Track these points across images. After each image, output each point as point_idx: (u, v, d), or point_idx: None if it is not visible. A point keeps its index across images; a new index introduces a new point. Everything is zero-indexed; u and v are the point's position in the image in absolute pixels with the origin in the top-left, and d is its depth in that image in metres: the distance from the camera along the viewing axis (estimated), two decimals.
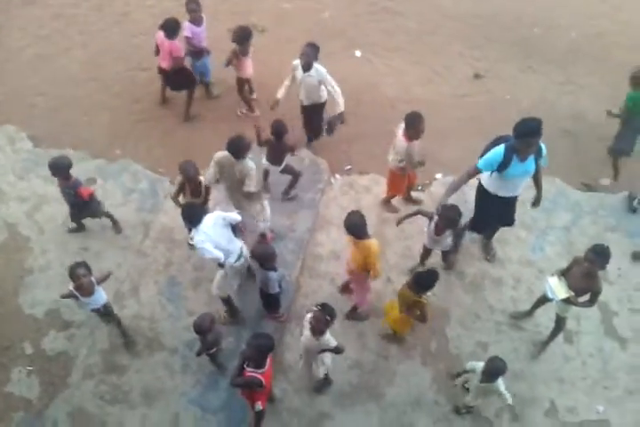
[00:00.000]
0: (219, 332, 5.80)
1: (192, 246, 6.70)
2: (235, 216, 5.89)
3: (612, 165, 7.74)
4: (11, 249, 7.02)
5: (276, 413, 5.92)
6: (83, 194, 6.50)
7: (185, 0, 7.74)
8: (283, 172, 6.98)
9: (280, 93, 7.26)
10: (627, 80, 7.12)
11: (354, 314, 6.50)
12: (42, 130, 8.20)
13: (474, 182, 6.33)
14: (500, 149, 5.79)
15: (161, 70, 7.98)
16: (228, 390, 5.85)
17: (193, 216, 5.66)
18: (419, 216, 6.46)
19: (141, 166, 7.83)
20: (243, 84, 8.22)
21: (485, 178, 6.19)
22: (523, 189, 6.27)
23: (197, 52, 8.03)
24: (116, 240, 7.10)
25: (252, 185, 6.11)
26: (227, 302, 6.21)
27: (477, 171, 5.97)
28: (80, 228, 7.11)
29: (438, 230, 6.21)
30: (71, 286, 5.62)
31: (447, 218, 6.00)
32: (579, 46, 8.76)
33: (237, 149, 5.95)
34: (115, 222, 7.12)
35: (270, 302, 6.26)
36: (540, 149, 5.86)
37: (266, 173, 7.02)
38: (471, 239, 7.13)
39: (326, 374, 5.89)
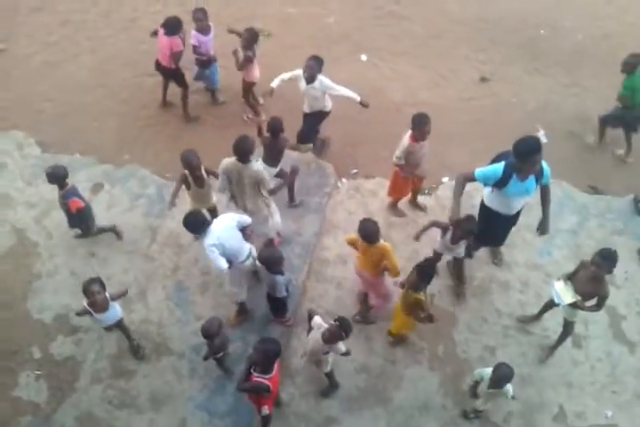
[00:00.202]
0: (226, 336, 5.81)
1: (197, 239, 6.77)
2: (246, 219, 5.91)
3: (599, 129, 8.07)
4: (19, 254, 7.06)
5: (283, 417, 5.92)
6: (71, 206, 6.46)
7: (192, 8, 7.79)
8: (277, 176, 6.90)
9: (275, 83, 7.21)
10: None
11: (364, 316, 6.49)
12: (50, 136, 8.24)
13: (479, 186, 6.31)
14: (500, 165, 5.75)
15: (159, 67, 8.03)
16: (235, 395, 5.86)
17: (194, 225, 5.64)
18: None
19: (149, 171, 7.86)
20: (249, 89, 8.24)
21: (487, 194, 6.19)
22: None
23: (205, 61, 8.06)
24: (124, 245, 7.12)
25: (268, 184, 6.19)
26: (239, 304, 6.28)
27: (472, 177, 5.91)
28: (116, 232, 7.14)
29: (454, 239, 6.16)
30: (85, 303, 5.62)
31: (464, 229, 5.96)
32: (584, 48, 8.75)
33: (243, 149, 5.94)
34: (115, 232, 7.12)
35: (278, 307, 6.26)
36: (542, 169, 5.82)
37: None
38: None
39: (333, 379, 5.90)
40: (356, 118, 8.24)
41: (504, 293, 6.86)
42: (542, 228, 6.32)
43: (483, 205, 6.30)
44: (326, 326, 5.32)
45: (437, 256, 6.62)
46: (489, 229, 6.28)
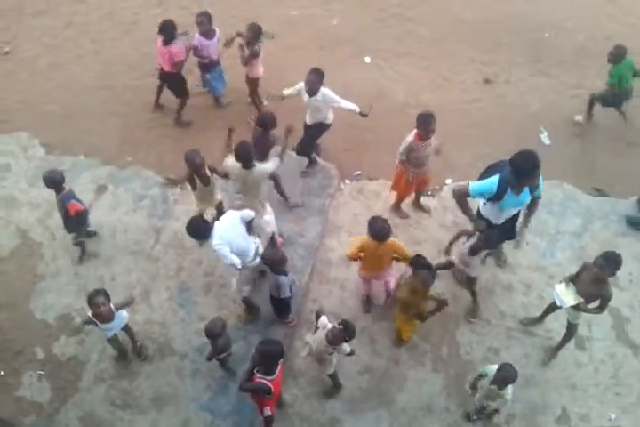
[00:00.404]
0: (229, 337, 5.82)
1: (202, 245, 6.77)
2: (249, 212, 5.93)
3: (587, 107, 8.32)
4: (23, 255, 7.08)
5: (287, 418, 5.93)
6: (70, 209, 6.43)
7: (196, 11, 7.82)
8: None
9: (287, 91, 7.15)
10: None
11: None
12: (54, 137, 8.27)
13: None
14: (495, 179, 5.63)
15: (162, 73, 8.04)
16: (238, 395, 5.86)
17: (197, 232, 5.64)
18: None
19: (152, 173, 7.87)
20: (255, 86, 8.25)
21: (481, 205, 6.14)
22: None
23: (207, 65, 8.08)
24: (127, 246, 7.14)
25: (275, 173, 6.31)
26: (246, 301, 6.27)
27: (467, 193, 5.82)
28: (83, 252, 7.03)
29: (474, 250, 5.98)
30: (89, 314, 5.61)
31: (487, 240, 5.85)
32: (588, 49, 8.73)
33: (246, 155, 5.97)
34: (83, 252, 7.03)
35: (281, 307, 6.27)
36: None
37: None
38: None
39: (337, 380, 5.90)
40: (359, 120, 8.15)
41: (507, 295, 6.85)
42: (518, 240, 6.32)
43: (478, 213, 6.23)
44: (331, 326, 5.32)
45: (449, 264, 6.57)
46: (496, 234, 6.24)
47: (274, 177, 6.57)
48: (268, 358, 4.92)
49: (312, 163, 7.70)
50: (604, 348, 6.49)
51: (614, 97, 8.02)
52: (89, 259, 7.02)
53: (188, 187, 6.60)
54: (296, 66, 8.44)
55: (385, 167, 7.53)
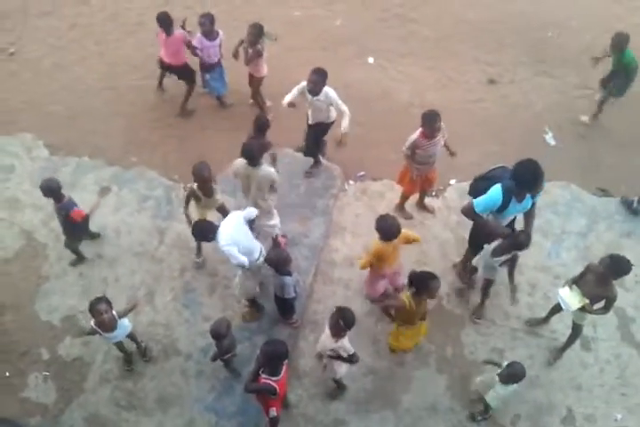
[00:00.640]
0: (234, 337, 5.82)
1: (198, 265, 6.89)
2: (251, 211, 5.94)
3: (599, 104, 8.35)
4: (27, 256, 7.09)
5: (291, 419, 5.93)
6: (75, 216, 6.36)
7: (200, 11, 7.84)
8: None
9: (288, 97, 7.02)
10: None
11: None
12: (58, 138, 8.28)
13: None
14: (497, 191, 5.55)
15: (163, 64, 8.13)
16: (243, 396, 5.85)
17: (205, 233, 5.62)
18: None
19: (156, 173, 7.88)
20: (259, 86, 8.25)
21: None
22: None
23: (206, 66, 8.10)
24: (131, 247, 7.14)
25: (276, 187, 6.25)
26: (251, 301, 6.28)
27: (474, 211, 5.74)
28: (80, 258, 7.01)
29: (498, 251, 5.92)
30: (92, 323, 5.59)
31: (517, 241, 5.77)
32: (593, 49, 8.71)
33: (252, 152, 5.95)
34: (79, 257, 7.01)
35: (285, 308, 6.26)
36: None
37: None
38: None
39: (340, 380, 5.88)
40: (363, 120, 8.23)
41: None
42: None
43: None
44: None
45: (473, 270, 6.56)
46: (483, 241, 6.21)
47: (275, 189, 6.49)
48: (273, 358, 4.91)
49: (316, 163, 7.70)
50: (609, 348, 6.47)
51: (628, 80, 7.96)
52: (86, 262, 7.01)
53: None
54: (299, 66, 8.42)
55: (389, 167, 7.53)
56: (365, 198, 7.70)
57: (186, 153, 8.01)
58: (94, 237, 7.16)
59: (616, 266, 5.43)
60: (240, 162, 6.15)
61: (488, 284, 6.37)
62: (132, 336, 6.02)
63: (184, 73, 8.23)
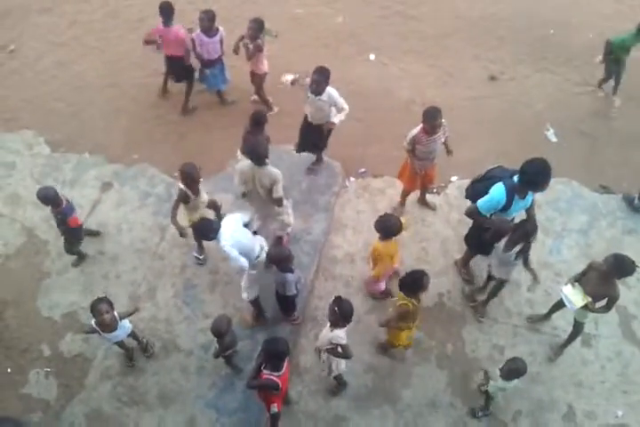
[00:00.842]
0: (235, 334, 5.82)
1: (200, 261, 6.87)
2: (245, 215, 5.94)
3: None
4: (29, 252, 7.10)
5: (292, 415, 5.93)
6: (71, 223, 6.40)
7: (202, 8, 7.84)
8: None
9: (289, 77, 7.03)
10: None
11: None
12: (59, 135, 8.29)
13: None
14: (500, 190, 5.52)
15: (167, 57, 8.15)
16: (244, 393, 5.87)
17: (207, 231, 5.56)
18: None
19: (158, 170, 7.87)
20: (261, 83, 8.24)
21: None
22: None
23: (205, 62, 8.07)
24: (133, 243, 7.15)
25: (279, 190, 6.11)
26: (254, 303, 6.25)
27: (479, 213, 5.74)
28: (81, 258, 7.00)
29: (509, 244, 5.79)
30: (93, 322, 5.58)
31: (524, 231, 5.67)
32: (595, 46, 8.70)
33: (258, 152, 5.90)
34: (80, 256, 7.01)
35: (287, 305, 6.26)
36: None
37: None
38: None
39: (341, 377, 5.89)
40: (364, 117, 8.24)
41: (513, 292, 6.81)
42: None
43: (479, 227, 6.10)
44: None
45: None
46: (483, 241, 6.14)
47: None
48: (275, 356, 4.93)
49: (318, 160, 7.69)
50: (610, 345, 6.47)
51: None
52: (88, 258, 7.01)
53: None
54: (301, 63, 8.47)
55: (390, 164, 7.52)
56: (366, 195, 7.70)
57: (187, 150, 8.01)
58: (94, 234, 7.16)
59: (620, 266, 5.40)
60: (243, 163, 6.09)
61: (501, 285, 6.35)
62: (133, 335, 6.03)
63: (181, 67, 8.18)
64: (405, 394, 6.12)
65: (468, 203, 6.05)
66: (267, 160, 5.98)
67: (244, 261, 5.60)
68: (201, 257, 6.89)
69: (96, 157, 8.04)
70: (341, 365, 5.61)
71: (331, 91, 6.73)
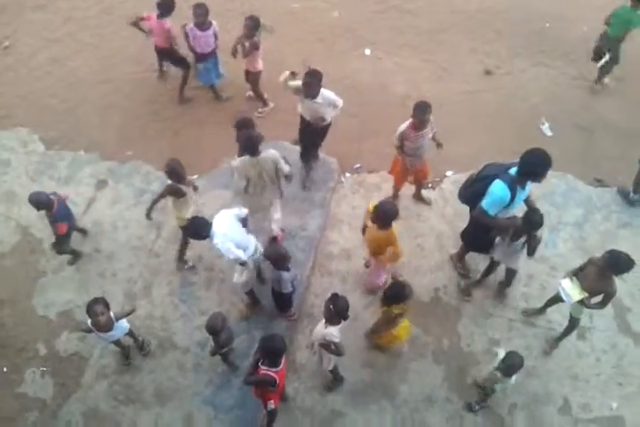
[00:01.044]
0: (231, 331, 5.82)
1: (191, 268, 6.87)
2: (241, 210, 5.90)
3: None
4: (24, 251, 7.10)
5: (289, 412, 5.95)
6: (57, 229, 6.42)
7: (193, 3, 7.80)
8: None
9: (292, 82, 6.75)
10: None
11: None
12: (54, 132, 8.27)
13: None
14: (502, 186, 5.44)
15: (157, 48, 8.25)
16: (241, 390, 5.88)
17: (200, 229, 5.49)
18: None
19: (152, 167, 7.85)
20: (257, 81, 8.22)
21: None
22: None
23: (198, 56, 8.05)
24: (129, 241, 7.14)
25: (285, 166, 6.15)
26: (249, 293, 6.25)
27: (487, 215, 5.64)
28: (77, 256, 7.00)
29: (516, 234, 5.87)
30: (89, 322, 5.57)
31: (532, 221, 5.70)
32: (590, 40, 8.67)
33: (252, 143, 5.91)
34: (75, 255, 7.01)
35: (282, 302, 6.26)
36: None
37: None
38: None
39: (338, 373, 5.90)
40: (359, 113, 8.22)
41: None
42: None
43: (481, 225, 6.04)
44: None
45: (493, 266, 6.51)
46: (484, 238, 6.17)
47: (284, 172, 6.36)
48: (272, 353, 4.93)
49: (314, 157, 7.67)
50: (605, 338, 6.49)
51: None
52: (83, 256, 7.01)
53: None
54: (297, 58, 8.42)
55: (385, 159, 7.47)
56: (362, 190, 7.69)
57: (182, 146, 8.00)
58: (82, 232, 7.14)
59: (616, 262, 5.40)
60: (240, 160, 6.07)
61: (513, 274, 6.41)
62: (130, 333, 6.03)
63: (173, 57, 8.29)
64: (402, 389, 6.14)
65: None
66: (260, 149, 5.99)
67: (240, 253, 5.57)
68: (190, 264, 6.87)
69: (91, 154, 8.03)
70: (333, 361, 5.62)
71: (326, 93, 6.60)
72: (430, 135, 6.53)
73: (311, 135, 7.15)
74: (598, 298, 5.70)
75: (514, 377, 5.45)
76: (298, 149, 7.54)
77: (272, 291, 6.13)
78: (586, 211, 7.48)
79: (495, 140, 8.06)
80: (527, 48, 9.44)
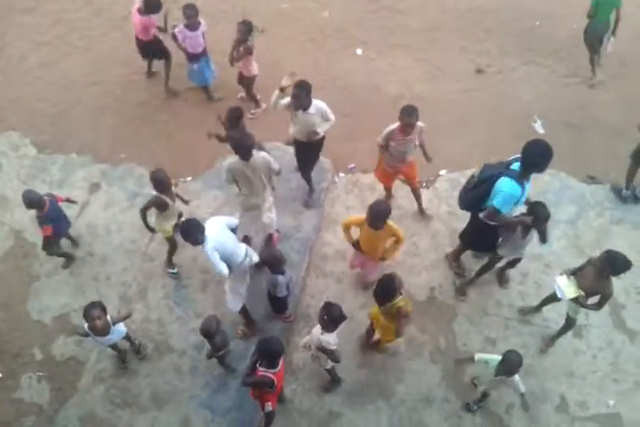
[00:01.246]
0: (226, 334, 5.81)
1: (173, 274, 6.82)
2: (233, 220, 5.89)
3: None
4: (18, 256, 7.06)
5: (286, 413, 5.94)
6: (42, 231, 6.34)
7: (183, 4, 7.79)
8: None
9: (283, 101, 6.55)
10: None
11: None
12: (46, 136, 8.24)
13: None
14: (511, 183, 5.37)
15: (138, 41, 8.24)
16: (238, 392, 5.87)
17: (195, 232, 5.33)
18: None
19: (145, 170, 7.78)
20: (250, 84, 8.20)
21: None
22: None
23: (190, 56, 8.03)
24: (122, 244, 7.11)
25: (275, 164, 6.11)
26: (243, 313, 6.17)
27: (499, 213, 5.59)
28: (70, 259, 6.96)
29: (525, 232, 5.87)
30: (85, 326, 5.54)
31: (541, 216, 5.69)
32: (580, 38, 8.71)
33: (244, 144, 5.84)
34: (68, 258, 6.98)
35: (278, 305, 6.26)
36: None
37: None
38: None
39: (335, 374, 5.89)
40: (352, 113, 8.22)
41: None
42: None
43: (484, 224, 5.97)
44: None
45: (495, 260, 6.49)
46: (487, 238, 6.16)
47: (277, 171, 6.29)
48: (269, 355, 4.92)
49: (311, 190, 7.52)
50: (601, 335, 6.51)
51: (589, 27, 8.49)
52: (77, 260, 6.98)
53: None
54: (288, 58, 8.43)
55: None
56: (356, 191, 7.69)
57: (175, 148, 7.99)
58: (73, 242, 7.09)
59: (612, 262, 5.41)
60: (231, 161, 6.00)
61: (519, 260, 6.44)
62: (126, 337, 6.01)
63: (156, 48, 8.30)
64: (399, 389, 6.14)
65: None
66: (252, 152, 5.93)
67: (223, 268, 5.44)
68: (175, 271, 6.83)
69: (83, 157, 8.00)
70: (330, 361, 5.62)
71: (319, 103, 6.46)
72: (417, 142, 6.50)
73: (307, 153, 7.00)
74: (595, 299, 5.71)
75: (521, 385, 5.41)
76: (291, 149, 7.51)
77: (268, 294, 6.12)
78: (579, 208, 7.50)
79: (488, 138, 8.08)
80: (518, 46, 9.46)
